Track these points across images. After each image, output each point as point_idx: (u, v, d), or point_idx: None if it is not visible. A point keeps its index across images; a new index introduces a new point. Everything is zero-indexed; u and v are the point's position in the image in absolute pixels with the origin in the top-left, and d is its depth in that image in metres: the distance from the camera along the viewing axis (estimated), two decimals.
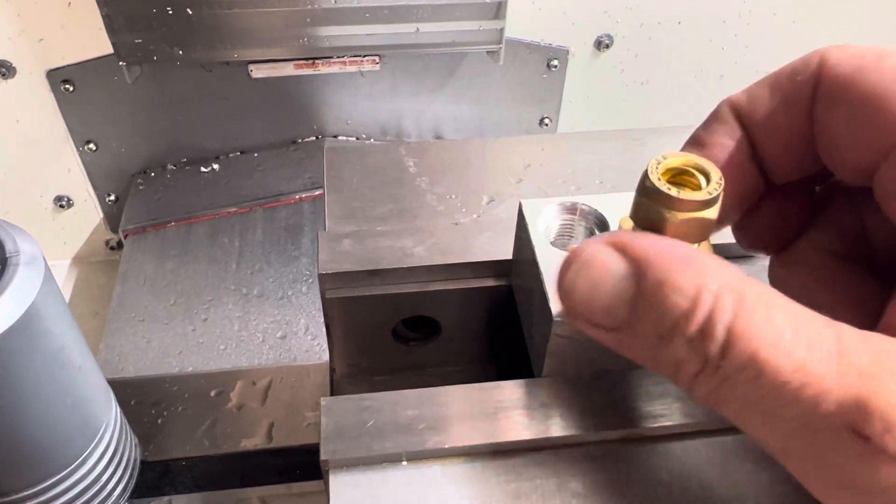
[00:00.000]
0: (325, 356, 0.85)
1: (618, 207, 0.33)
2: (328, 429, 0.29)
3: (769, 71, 1.23)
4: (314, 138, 1.15)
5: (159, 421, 0.53)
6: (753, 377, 0.20)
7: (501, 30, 0.95)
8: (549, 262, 0.30)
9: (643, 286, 0.22)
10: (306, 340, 0.92)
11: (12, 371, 0.36)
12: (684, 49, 1.12)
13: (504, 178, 0.41)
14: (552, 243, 0.33)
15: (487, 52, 0.99)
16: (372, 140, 1.16)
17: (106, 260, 1.24)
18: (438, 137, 1.18)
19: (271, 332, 0.93)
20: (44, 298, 0.36)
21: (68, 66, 1.01)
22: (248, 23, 0.90)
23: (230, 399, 0.54)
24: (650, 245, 0.22)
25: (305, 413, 0.53)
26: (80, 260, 1.23)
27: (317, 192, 1.07)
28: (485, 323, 0.37)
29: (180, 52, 0.91)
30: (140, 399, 0.53)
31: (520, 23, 1.04)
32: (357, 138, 1.16)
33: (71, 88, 1.02)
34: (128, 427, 0.49)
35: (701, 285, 0.21)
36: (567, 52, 1.09)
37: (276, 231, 1.05)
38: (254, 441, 0.51)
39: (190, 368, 0.90)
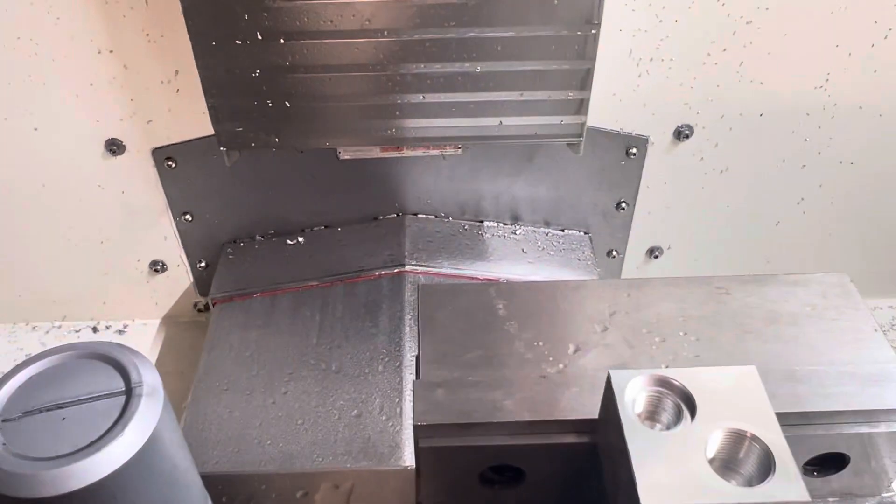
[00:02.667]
0: (402, 446, 0.88)
1: (703, 381, 0.34)
2: None
3: (854, 161, 1.23)
4: (395, 216, 1.19)
5: None
6: None
7: (583, 124, 0.98)
8: (638, 444, 0.32)
9: None
10: (380, 420, 0.94)
11: (132, 495, 0.39)
12: (765, 140, 1.12)
13: (590, 326, 0.43)
14: (639, 415, 0.34)
15: (568, 144, 1.02)
16: (451, 219, 1.19)
17: (193, 321, 1.30)
18: (516, 218, 1.20)
19: (347, 410, 0.96)
20: (162, 426, 0.39)
21: (172, 144, 1.08)
22: (341, 115, 0.95)
23: (314, 502, 0.56)
24: None
25: None
26: (168, 320, 1.30)
27: (396, 270, 1.11)
28: (568, 474, 0.39)
29: (276, 140, 0.97)
30: (230, 497, 0.57)
31: (600, 112, 1.06)
32: (437, 216, 1.20)
33: (173, 165, 1.10)
34: None
35: None
36: (646, 140, 1.11)
37: (355, 307, 1.08)
38: None
39: (269, 442, 0.94)
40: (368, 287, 1.10)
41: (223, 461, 0.93)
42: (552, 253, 1.18)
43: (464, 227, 1.19)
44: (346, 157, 1.10)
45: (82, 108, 1.03)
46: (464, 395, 0.37)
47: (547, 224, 1.21)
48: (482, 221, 1.20)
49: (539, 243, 1.19)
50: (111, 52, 0.98)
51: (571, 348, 0.42)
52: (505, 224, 1.20)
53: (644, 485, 0.30)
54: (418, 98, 0.94)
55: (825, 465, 0.40)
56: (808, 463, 0.40)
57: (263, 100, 0.93)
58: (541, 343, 0.42)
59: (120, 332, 1.29)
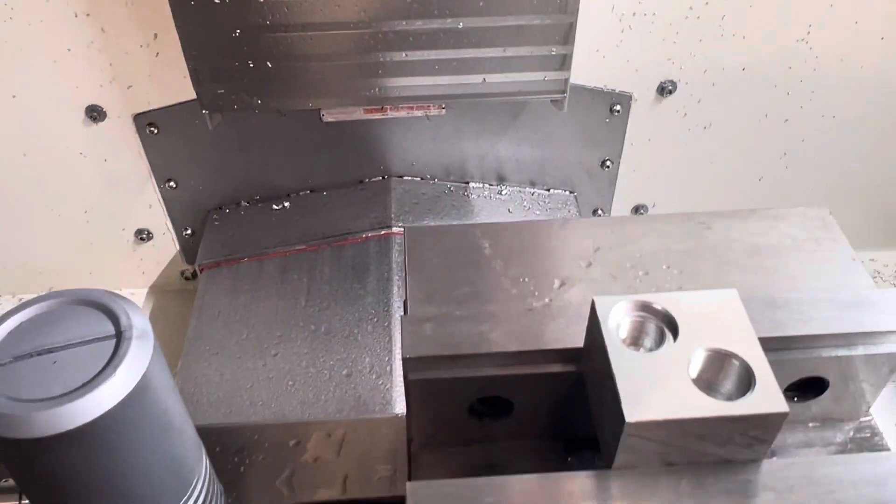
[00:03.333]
0: (392, 402, 0.88)
1: (685, 304, 0.35)
2: None
3: (836, 115, 1.24)
4: (380, 178, 1.19)
5: (241, 469, 0.56)
6: None
7: (566, 80, 0.98)
8: (622, 365, 0.32)
9: None
10: (371, 379, 0.95)
11: (125, 437, 0.39)
12: (748, 94, 1.12)
13: (574, 262, 0.43)
14: (623, 340, 0.35)
15: (552, 101, 1.02)
16: (436, 180, 1.19)
17: (181, 289, 1.30)
18: (502, 178, 1.20)
19: (337, 370, 0.97)
20: (153, 370, 0.39)
21: (153, 110, 1.07)
22: (323, 75, 0.95)
23: (307, 450, 0.57)
24: None
25: (377, 466, 0.56)
26: (156, 289, 1.30)
27: (382, 232, 1.11)
28: (555, 403, 0.40)
29: (259, 102, 0.96)
30: (224, 447, 0.57)
31: (583, 69, 1.06)
32: (422, 178, 1.20)
33: (155, 131, 1.09)
34: (215, 478, 0.52)
35: None
36: (630, 97, 1.11)
37: (343, 269, 1.09)
38: (329, 492, 0.55)
39: (260, 403, 0.95)
40: (355, 249, 1.10)
41: (215, 423, 0.94)
42: (538, 213, 1.18)
43: (449, 188, 1.19)
44: (330, 120, 1.10)
45: (61, 74, 1.01)
46: (451, 328, 0.37)
47: (532, 184, 1.21)
48: (468, 182, 1.20)
49: (525, 203, 1.20)
50: (88, 15, 0.97)
51: (557, 283, 0.42)
52: (490, 185, 1.21)
53: (628, 402, 0.31)
54: (401, 56, 0.93)
55: (805, 390, 0.41)
56: (788, 388, 0.41)
57: (244, 60, 0.92)
58: (526, 279, 0.42)
59: None
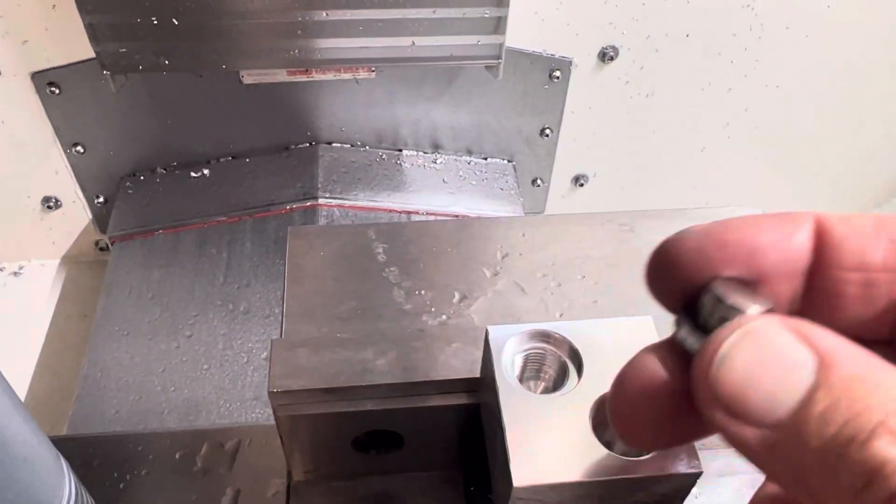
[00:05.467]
0: None
1: (593, 336, 0.30)
2: None
3: (780, 85, 1.19)
4: (308, 145, 1.12)
5: (121, 485, 0.51)
6: None
7: (501, 45, 0.91)
8: (514, 412, 0.28)
9: (828, 375, 0.18)
10: None
11: None
12: (692, 62, 1.08)
13: (479, 271, 0.38)
14: (520, 376, 0.30)
15: (486, 67, 0.95)
16: (367, 147, 1.13)
17: (95, 260, 1.22)
18: (437, 146, 1.14)
19: (256, 353, 0.91)
20: None
21: (53, 68, 0.98)
22: (237, 33, 0.87)
23: (196, 462, 0.52)
24: (832, 336, 0.18)
25: (273, 480, 0.52)
26: (68, 260, 1.21)
27: (308, 203, 1.05)
28: (450, 436, 0.35)
29: (166, 62, 0.88)
30: (103, 459, 0.51)
31: (521, 32, 1.00)
32: (352, 145, 1.13)
33: (57, 91, 0.99)
34: (85, 498, 0.47)
35: None
36: (570, 63, 1.05)
37: (265, 243, 1.02)
38: None
39: (172, 388, 0.89)
40: (279, 222, 1.04)
41: (123, 410, 0.88)
42: (474, 182, 1.13)
43: (381, 156, 1.13)
44: (250, 82, 1.02)
45: None
46: (329, 355, 0.32)
47: (469, 152, 1.16)
48: (401, 150, 1.14)
49: (461, 172, 1.14)
50: None
51: (457, 297, 0.37)
52: (425, 153, 1.15)
53: (518, 460, 0.26)
54: (321, 15, 0.86)
55: None
56: None
57: (147, 16, 0.84)
58: (423, 291, 0.37)
59: (15, 273, 1.20)
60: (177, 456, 0.52)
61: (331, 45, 0.89)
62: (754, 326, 0.19)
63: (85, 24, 0.84)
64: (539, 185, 1.20)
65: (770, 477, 0.19)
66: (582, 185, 1.22)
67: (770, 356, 0.18)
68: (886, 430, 0.16)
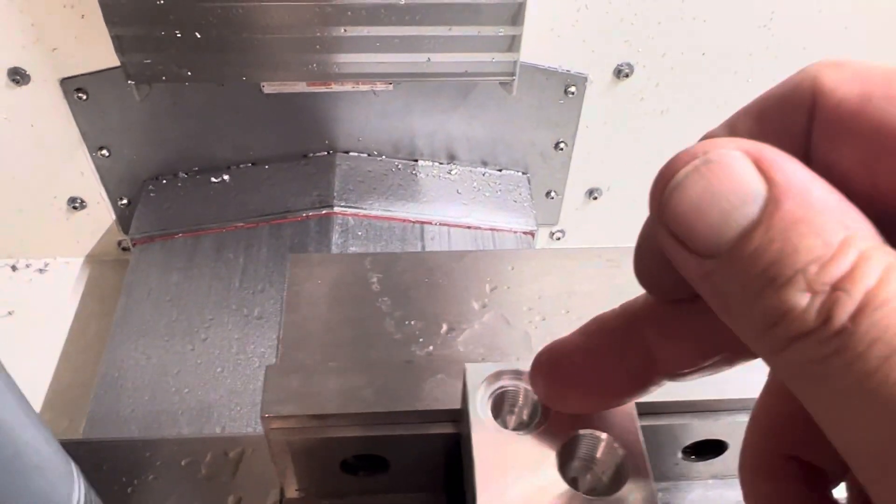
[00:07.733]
0: None
1: None
2: None
3: None
4: (326, 153, 1.14)
5: (129, 489, 0.53)
6: (884, 357, 0.16)
7: (515, 62, 0.93)
8: (485, 451, 0.29)
9: (772, 214, 0.18)
10: None
11: None
12: (708, 80, 1.08)
13: (467, 303, 0.40)
14: (495, 412, 0.32)
15: (500, 84, 0.97)
16: (383, 157, 1.15)
17: (118, 260, 1.25)
18: (452, 157, 1.16)
19: (268, 358, 0.94)
20: None
21: (81, 75, 1.01)
22: (257, 47, 0.89)
23: (201, 469, 0.54)
24: (797, 172, 0.18)
25: (273, 490, 0.54)
26: (92, 258, 1.25)
27: (323, 212, 1.07)
28: (435, 462, 0.37)
29: (189, 73, 0.91)
30: (113, 464, 0.54)
31: (537, 48, 1.01)
32: (369, 155, 1.15)
33: (84, 97, 1.03)
34: (95, 501, 0.49)
35: (849, 238, 0.17)
36: (585, 79, 1.06)
37: (280, 249, 1.05)
38: None
39: (186, 390, 0.91)
40: (294, 229, 1.06)
41: (139, 410, 0.91)
42: (488, 194, 1.15)
43: (397, 165, 1.15)
44: (271, 92, 1.04)
45: None
46: (320, 382, 0.34)
47: (484, 164, 1.17)
48: (416, 161, 1.16)
49: (475, 184, 1.16)
50: None
51: (444, 328, 0.39)
52: (440, 163, 1.16)
53: (485, 497, 0.28)
54: (339, 31, 0.88)
55: (704, 450, 0.39)
56: (687, 448, 0.39)
57: (171, 29, 0.87)
58: (413, 322, 0.39)
59: (41, 270, 1.23)
60: (183, 463, 0.54)
61: (348, 59, 0.91)
62: (714, 155, 0.19)
63: (111, 36, 0.87)
64: (553, 198, 1.21)
65: (703, 297, 0.19)
66: (596, 198, 1.23)
67: (723, 187, 0.18)
68: (802, 279, 0.17)
